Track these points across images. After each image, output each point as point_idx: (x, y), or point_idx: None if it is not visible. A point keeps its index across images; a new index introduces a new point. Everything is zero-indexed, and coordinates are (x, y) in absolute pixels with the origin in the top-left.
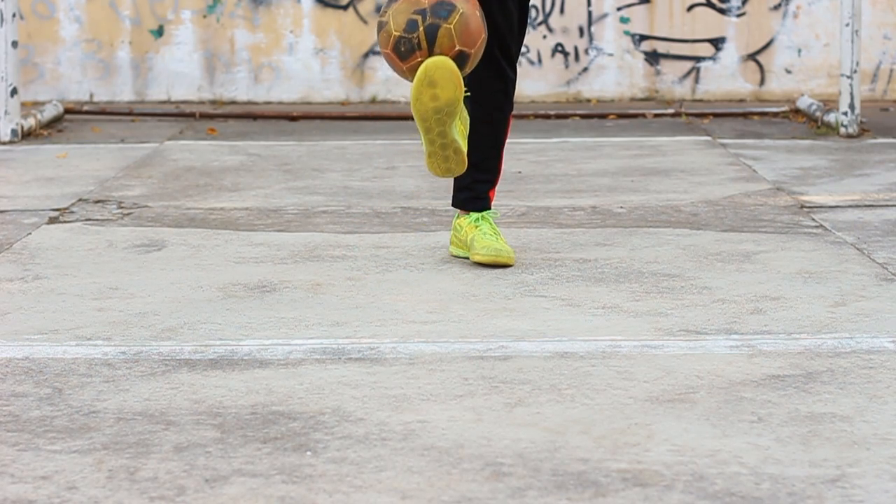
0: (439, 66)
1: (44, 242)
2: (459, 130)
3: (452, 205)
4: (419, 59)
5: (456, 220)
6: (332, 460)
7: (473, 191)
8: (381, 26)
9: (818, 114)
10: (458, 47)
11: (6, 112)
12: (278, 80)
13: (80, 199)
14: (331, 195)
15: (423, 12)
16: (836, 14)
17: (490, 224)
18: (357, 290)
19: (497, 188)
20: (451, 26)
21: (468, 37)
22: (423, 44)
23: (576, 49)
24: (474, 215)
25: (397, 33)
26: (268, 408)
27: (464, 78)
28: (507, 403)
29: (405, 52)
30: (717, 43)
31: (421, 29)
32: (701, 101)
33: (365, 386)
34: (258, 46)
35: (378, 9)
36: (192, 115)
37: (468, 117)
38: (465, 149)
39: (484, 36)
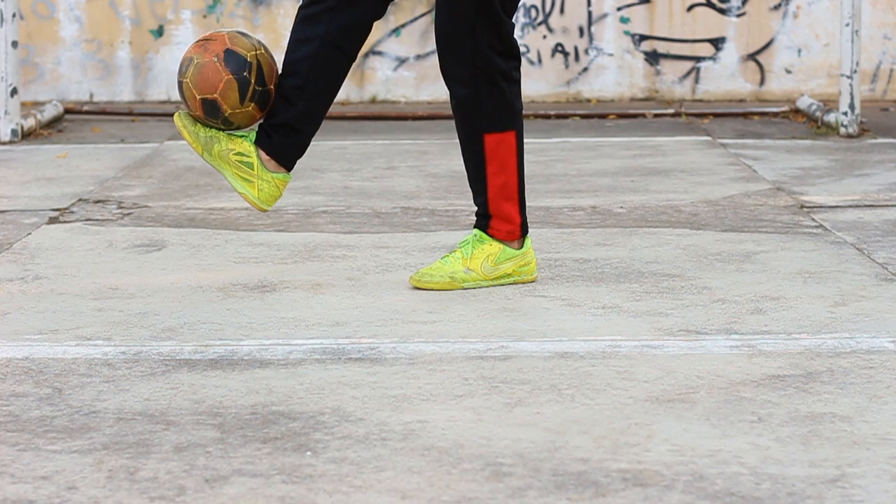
0: (175, 120)
1: (44, 242)
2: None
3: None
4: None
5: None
6: (332, 460)
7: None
8: None
9: (818, 114)
10: (198, 96)
11: (6, 112)
12: None
13: (80, 199)
14: (331, 195)
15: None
16: (836, 14)
17: (460, 250)
18: (357, 290)
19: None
20: (188, 80)
21: (205, 84)
22: (182, 101)
23: (576, 49)
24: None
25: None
26: (268, 408)
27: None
28: (507, 403)
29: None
30: (717, 43)
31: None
32: (701, 101)
33: (365, 386)
34: None
35: None
36: None
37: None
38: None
39: (226, 77)
